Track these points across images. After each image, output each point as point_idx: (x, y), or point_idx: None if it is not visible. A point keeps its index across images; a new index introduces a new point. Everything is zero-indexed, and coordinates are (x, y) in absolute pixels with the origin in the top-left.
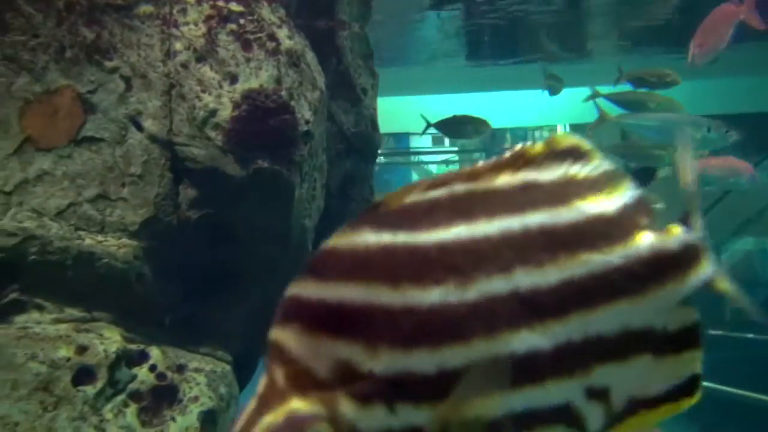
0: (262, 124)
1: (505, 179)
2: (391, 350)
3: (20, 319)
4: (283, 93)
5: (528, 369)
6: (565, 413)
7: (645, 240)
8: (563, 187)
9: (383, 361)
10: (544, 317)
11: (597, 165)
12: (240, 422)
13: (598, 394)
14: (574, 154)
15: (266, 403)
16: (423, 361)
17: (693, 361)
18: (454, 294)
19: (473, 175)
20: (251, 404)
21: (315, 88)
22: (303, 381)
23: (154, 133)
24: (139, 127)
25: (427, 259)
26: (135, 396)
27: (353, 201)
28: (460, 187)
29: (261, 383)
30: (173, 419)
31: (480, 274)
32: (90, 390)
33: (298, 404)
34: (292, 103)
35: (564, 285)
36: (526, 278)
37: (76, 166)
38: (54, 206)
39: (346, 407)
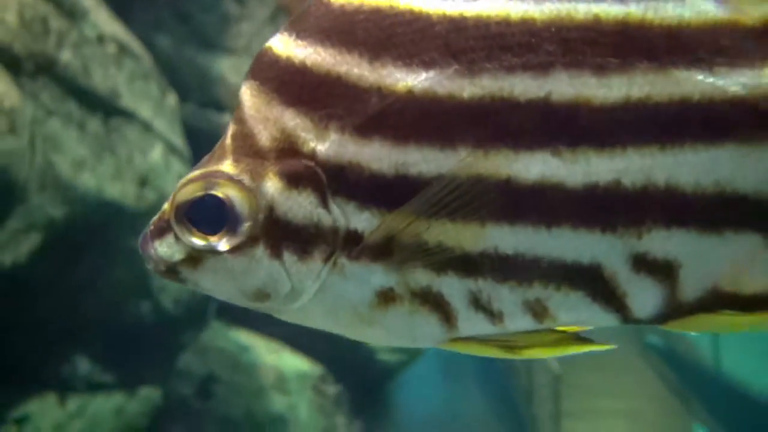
0: None
1: None
2: (342, 133)
3: None
4: None
5: (534, 204)
6: (587, 277)
7: None
8: None
9: (330, 144)
10: (579, 143)
11: None
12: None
13: (654, 267)
14: None
15: (208, 159)
16: (379, 156)
17: None
18: (447, 84)
19: None
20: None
21: None
22: (243, 144)
23: None
24: None
25: (427, 34)
26: None
27: None
28: None
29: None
30: None
31: (495, 66)
32: None
33: (226, 166)
34: None
35: (631, 107)
36: (566, 86)
37: None
38: None
39: (272, 183)
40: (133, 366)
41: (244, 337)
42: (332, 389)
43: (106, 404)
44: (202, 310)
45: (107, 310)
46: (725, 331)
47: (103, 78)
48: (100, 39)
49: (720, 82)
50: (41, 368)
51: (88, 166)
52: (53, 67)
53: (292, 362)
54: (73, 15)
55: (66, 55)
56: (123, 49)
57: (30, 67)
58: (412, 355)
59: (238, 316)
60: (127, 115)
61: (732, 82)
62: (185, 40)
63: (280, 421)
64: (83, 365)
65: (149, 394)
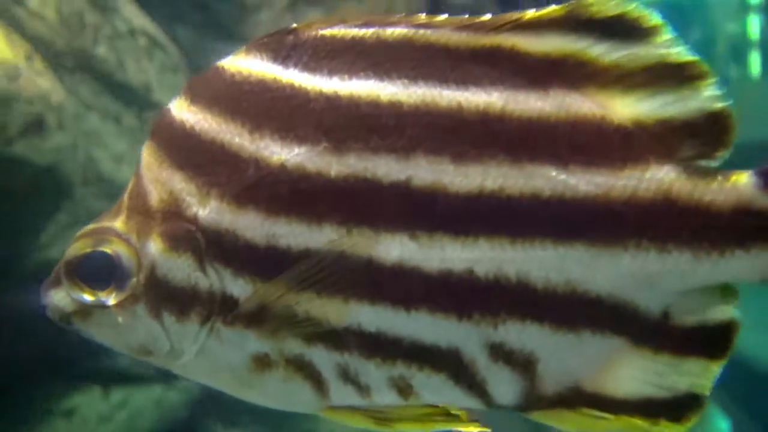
0: None
1: (470, 38)
2: (221, 201)
3: None
4: None
5: (393, 285)
6: (448, 361)
7: (662, 175)
8: (555, 67)
9: (210, 211)
10: (436, 229)
11: (651, 47)
12: None
13: (511, 358)
14: (615, 27)
15: (108, 213)
16: (253, 226)
17: (700, 376)
18: (317, 160)
19: (432, 25)
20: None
21: None
22: (136, 202)
23: None
24: None
25: (304, 110)
26: None
27: None
28: (398, 32)
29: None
30: None
31: (362, 146)
32: None
33: (118, 223)
34: None
35: (484, 198)
36: (426, 171)
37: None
38: None
39: (155, 244)
40: None
41: None
42: None
43: (147, 396)
44: None
45: None
46: (589, 431)
47: (136, 71)
48: (132, 32)
49: (572, 180)
50: (84, 362)
51: (127, 160)
52: (90, 62)
53: None
54: (105, 9)
55: (102, 50)
56: (153, 42)
57: (70, 62)
58: None
59: None
60: (160, 108)
61: (585, 180)
62: (204, 30)
63: None
64: (123, 359)
65: (187, 386)
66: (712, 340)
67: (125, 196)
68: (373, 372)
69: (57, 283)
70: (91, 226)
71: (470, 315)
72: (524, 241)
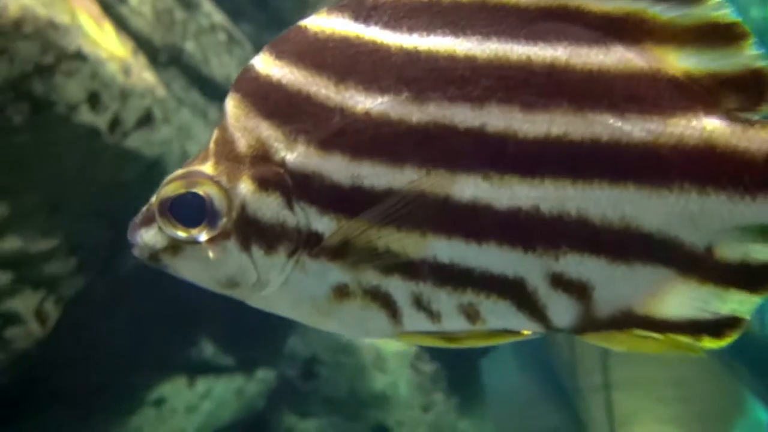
0: None
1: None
2: (308, 146)
3: None
4: None
5: (466, 221)
6: (512, 289)
7: (706, 123)
8: (616, 24)
9: (297, 155)
10: (506, 171)
11: (703, 8)
12: None
13: (569, 286)
14: None
15: (193, 160)
16: (338, 168)
17: (741, 304)
18: (398, 109)
19: None
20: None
21: None
22: (224, 149)
23: None
24: None
25: (386, 63)
26: None
27: None
28: None
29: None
30: None
31: (440, 96)
32: None
33: (207, 167)
34: None
35: (549, 142)
36: (498, 118)
37: None
38: None
39: (245, 185)
40: (249, 349)
41: None
42: (428, 367)
43: (229, 386)
44: None
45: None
46: (639, 350)
47: (219, 66)
48: (213, 28)
49: (627, 127)
50: (170, 351)
51: None
52: (180, 57)
53: (389, 341)
54: (190, 5)
55: (189, 45)
56: (231, 38)
57: (164, 58)
58: None
59: None
60: None
61: (639, 127)
62: (265, 26)
63: (382, 398)
64: (208, 349)
65: (265, 376)
66: (753, 277)
67: (211, 144)
68: (445, 299)
69: (147, 222)
70: (181, 171)
71: (534, 248)
72: (584, 181)
